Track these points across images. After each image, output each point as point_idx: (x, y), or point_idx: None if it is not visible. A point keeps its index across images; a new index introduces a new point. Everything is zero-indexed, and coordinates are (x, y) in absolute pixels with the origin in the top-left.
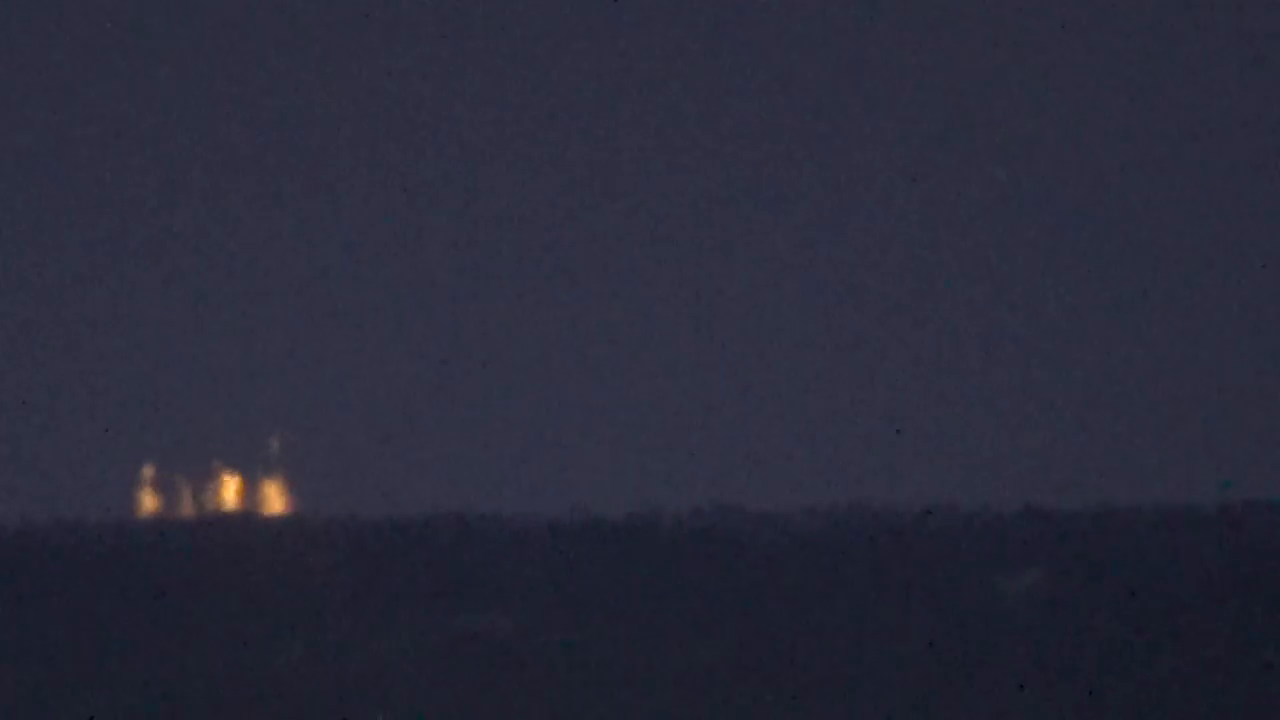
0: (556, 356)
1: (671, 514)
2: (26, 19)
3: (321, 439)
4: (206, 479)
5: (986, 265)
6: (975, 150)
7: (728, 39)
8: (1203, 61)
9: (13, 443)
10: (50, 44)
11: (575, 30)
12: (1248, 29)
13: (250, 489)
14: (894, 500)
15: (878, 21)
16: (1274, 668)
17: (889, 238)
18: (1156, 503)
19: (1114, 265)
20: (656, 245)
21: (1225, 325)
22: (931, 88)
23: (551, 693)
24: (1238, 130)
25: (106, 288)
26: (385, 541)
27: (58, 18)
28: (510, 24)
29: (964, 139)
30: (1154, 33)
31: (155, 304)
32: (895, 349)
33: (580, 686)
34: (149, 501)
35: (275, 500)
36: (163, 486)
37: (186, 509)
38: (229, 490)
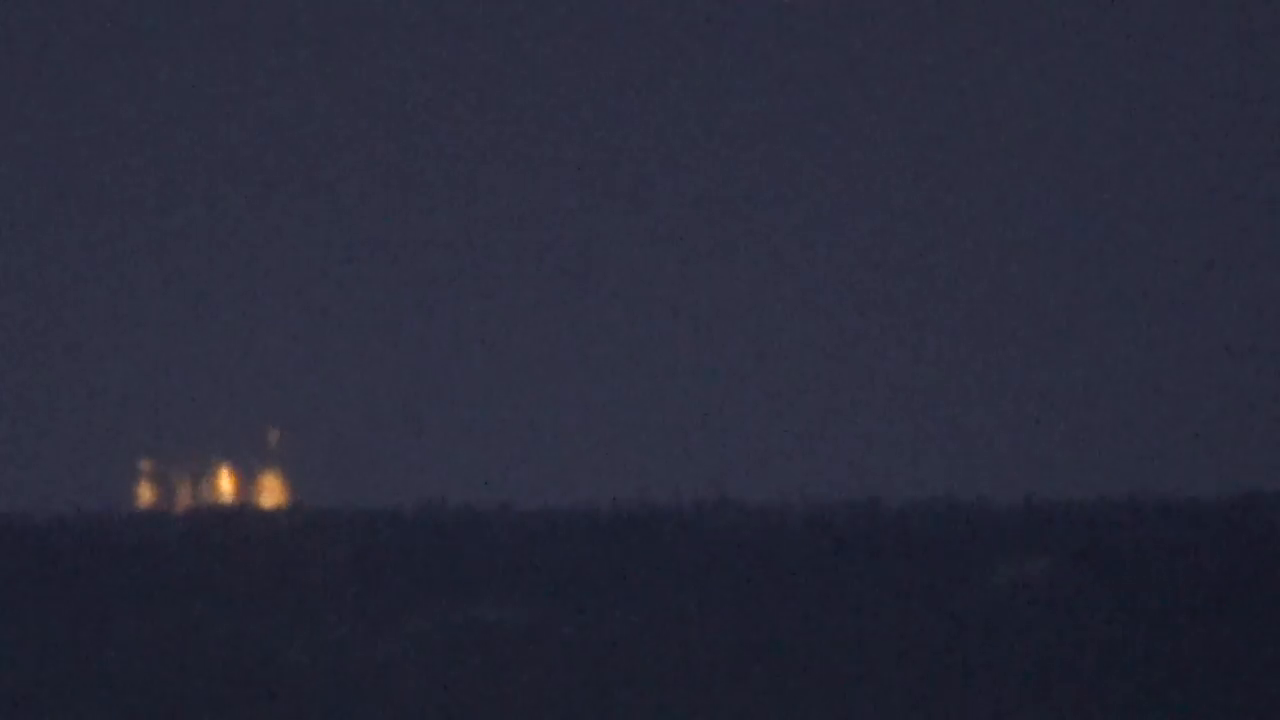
0: (558, 347)
1: (674, 506)
2: (26, 18)
3: (320, 430)
4: (203, 471)
5: (989, 255)
6: (976, 140)
7: (728, 36)
8: (1206, 39)
9: (7, 437)
10: (50, 42)
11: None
12: (1247, 29)
13: (248, 481)
14: (899, 493)
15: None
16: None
17: (890, 228)
18: (1160, 494)
19: (1119, 252)
20: (657, 234)
21: (1231, 313)
22: (940, 76)
23: (555, 684)
24: (1240, 121)
25: (102, 280)
26: (386, 533)
27: (58, 17)
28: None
29: (967, 129)
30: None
31: (151, 296)
32: (896, 339)
33: (583, 678)
34: (145, 494)
35: (274, 492)
36: (159, 479)
37: (183, 502)
38: (226, 482)
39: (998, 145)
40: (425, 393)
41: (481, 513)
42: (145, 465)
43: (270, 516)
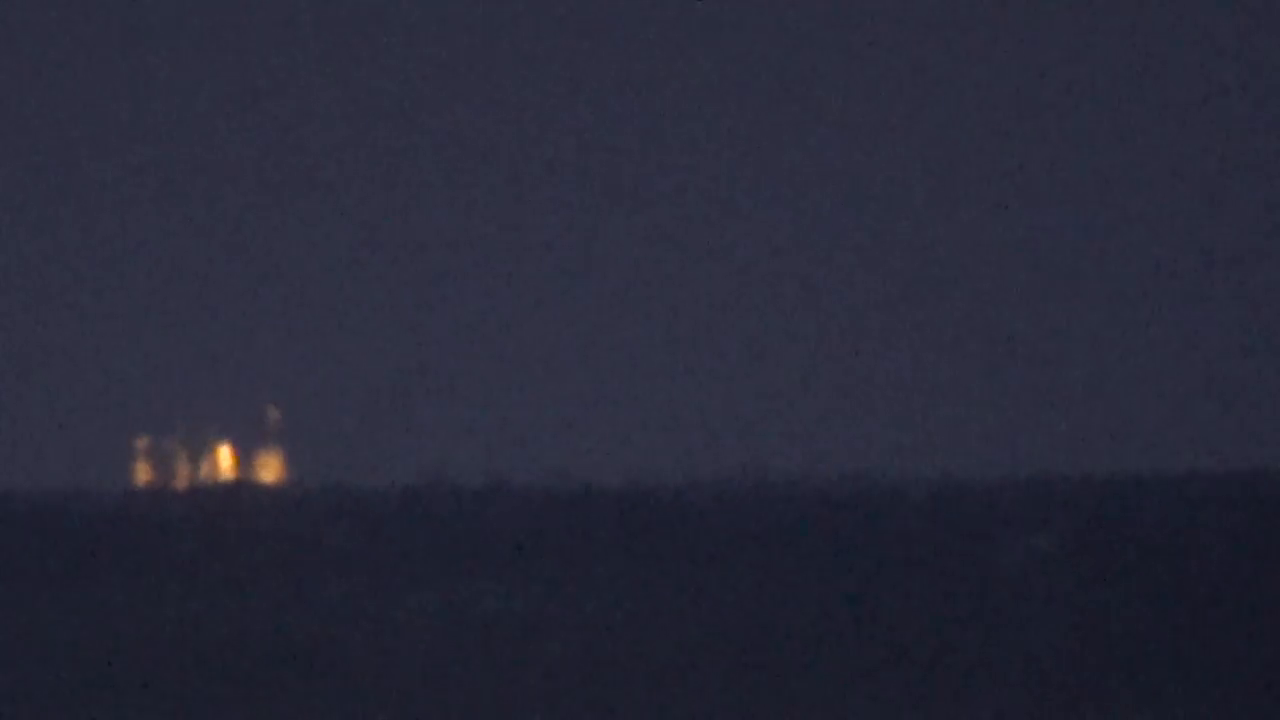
0: (558, 326)
1: (670, 485)
2: (26, 17)
3: (318, 408)
4: (201, 449)
5: (997, 232)
6: (983, 119)
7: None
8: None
9: (6, 414)
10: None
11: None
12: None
13: (245, 459)
14: (900, 469)
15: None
16: None
17: (898, 208)
18: (1163, 469)
19: (1120, 234)
20: (659, 211)
21: (1239, 295)
22: (955, 58)
23: (555, 663)
24: (1240, 119)
25: (102, 261)
26: (383, 512)
27: (58, 17)
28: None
29: (977, 109)
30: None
31: (150, 276)
32: (901, 317)
33: (581, 657)
34: (143, 472)
35: (271, 470)
36: (156, 457)
37: (181, 479)
38: (224, 460)
39: (1001, 129)
40: (421, 374)
41: (479, 491)
42: (143, 443)
43: (268, 494)
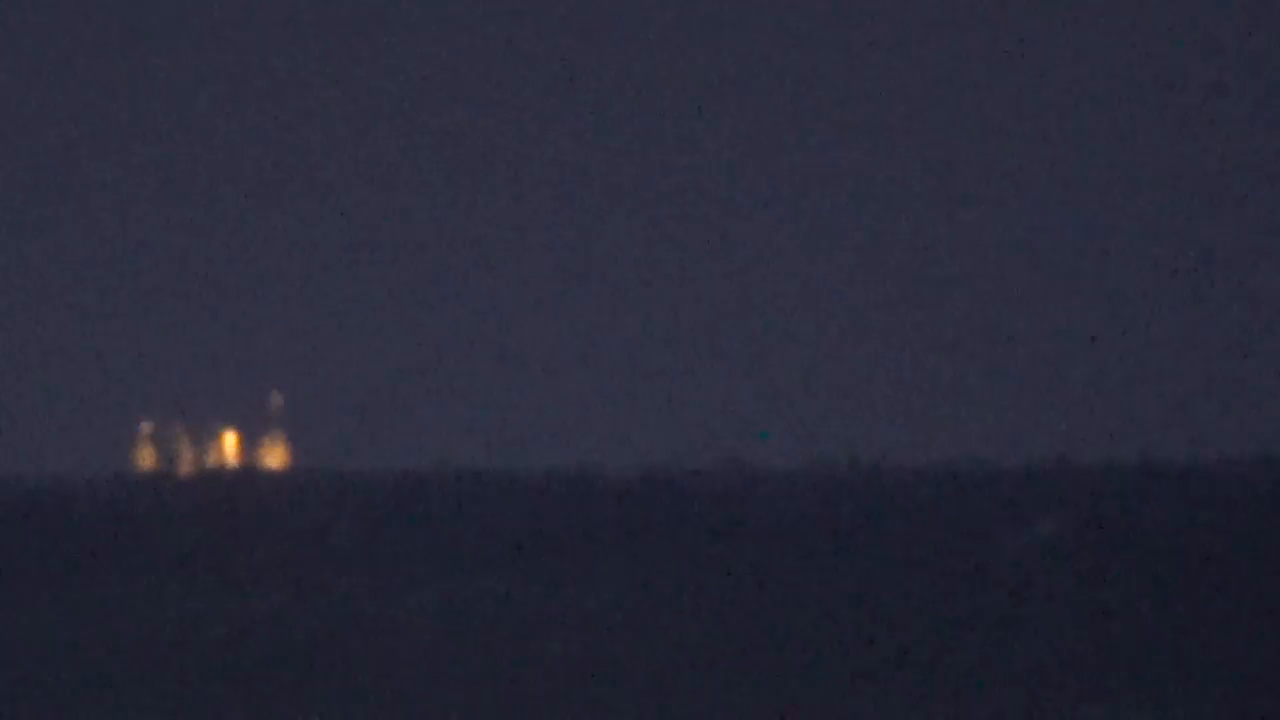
0: (562, 317)
1: (676, 470)
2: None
3: (322, 394)
4: (205, 434)
5: (1008, 220)
6: (993, 106)
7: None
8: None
9: (16, 400)
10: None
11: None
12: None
13: (250, 444)
14: (907, 455)
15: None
16: None
17: (905, 193)
18: (1168, 457)
19: (1130, 222)
20: (662, 199)
21: (1250, 283)
22: (955, 50)
23: (559, 648)
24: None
25: (109, 247)
26: (387, 497)
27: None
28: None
29: (981, 97)
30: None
31: (155, 265)
32: (911, 304)
33: (583, 646)
34: (147, 457)
35: (275, 455)
36: (161, 442)
37: (185, 464)
38: (228, 445)
39: (1001, 129)
40: (425, 362)
41: (482, 476)
42: (148, 428)
43: (272, 479)
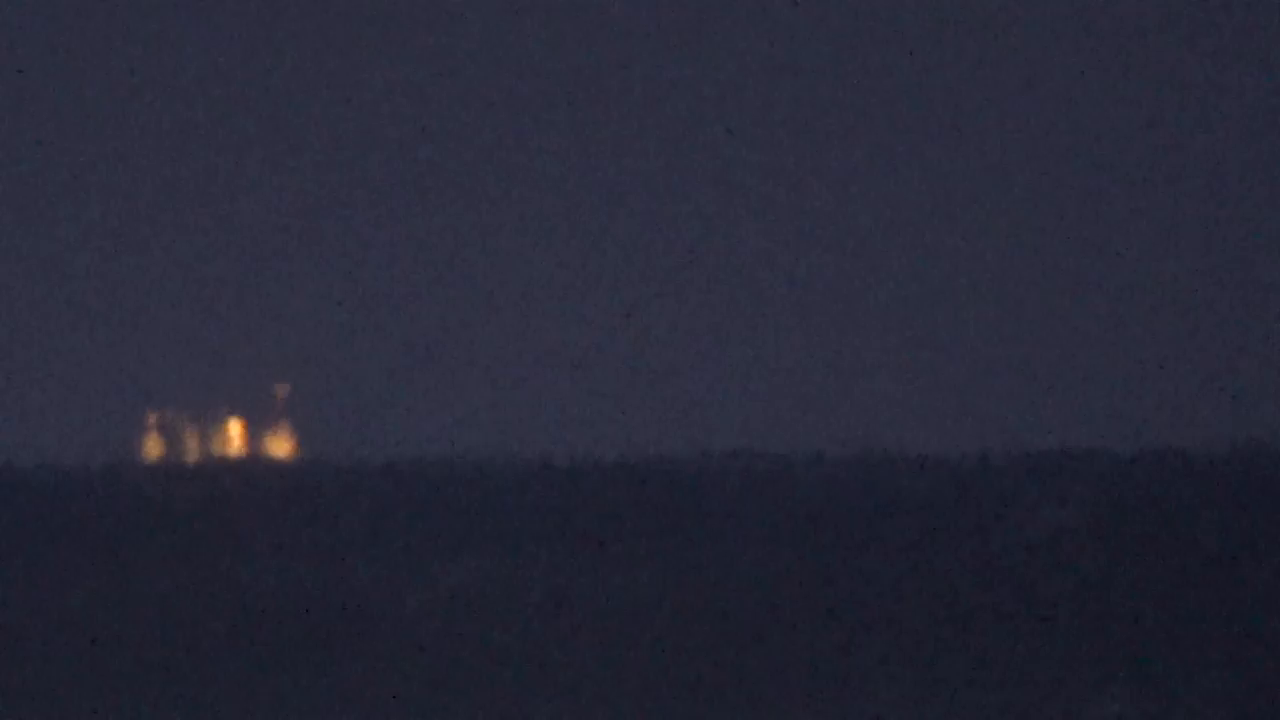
0: (568, 304)
1: (674, 457)
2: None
3: (328, 383)
4: (211, 424)
5: (1014, 204)
6: (994, 98)
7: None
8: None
9: (17, 388)
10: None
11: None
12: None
13: (254, 434)
14: (914, 442)
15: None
16: None
17: (908, 177)
18: (1179, 446)
19: (1141, 205)
20: (655, 185)
21: (1262, 270)
22: (956, 41)
23: (569, 632)
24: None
25: (113, 239)
26: (391, 486)
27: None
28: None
29: (984, 84)
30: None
31: (160, 253)
32: (917, 287)
33: (593, 629)
34: (153, 447)
35: (281, 445)
36: (166, 431)
37: (191, 454)
38: (234, 435)
39: (1002, 129)
40: (431, 349)
41: (487, 466)
42: (153, 418)
43: (278, 469)
